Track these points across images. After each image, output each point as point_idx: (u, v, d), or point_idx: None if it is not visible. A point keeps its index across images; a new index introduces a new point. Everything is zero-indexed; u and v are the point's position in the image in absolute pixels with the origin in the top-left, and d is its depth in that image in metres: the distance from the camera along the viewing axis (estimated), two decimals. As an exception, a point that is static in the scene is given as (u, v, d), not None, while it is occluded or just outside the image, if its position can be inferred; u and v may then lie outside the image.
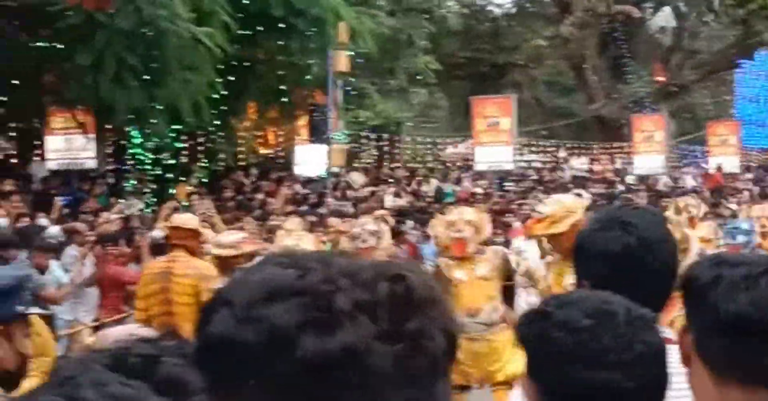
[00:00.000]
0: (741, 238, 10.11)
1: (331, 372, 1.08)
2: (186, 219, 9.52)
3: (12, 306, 3.38)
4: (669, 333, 2.70)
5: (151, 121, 16.29)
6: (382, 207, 18.74)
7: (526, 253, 13.19)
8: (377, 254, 9.57)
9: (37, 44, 15.65)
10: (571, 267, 7.73)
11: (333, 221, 16.64)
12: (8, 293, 3.36)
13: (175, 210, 15.87)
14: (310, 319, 1.09)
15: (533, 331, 2.05)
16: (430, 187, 26.34)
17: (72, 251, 11.94)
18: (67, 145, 22.10)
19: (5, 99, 16.61)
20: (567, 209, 7.98)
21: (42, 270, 11.18)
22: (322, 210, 19.33)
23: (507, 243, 16.02)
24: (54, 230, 12.24)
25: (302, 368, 1.08)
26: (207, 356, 1.13)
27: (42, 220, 15.23)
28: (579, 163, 38.96)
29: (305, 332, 1.09)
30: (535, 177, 32.12)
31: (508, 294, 9.50)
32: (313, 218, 17.00)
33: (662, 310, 2.83)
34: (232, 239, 9.35)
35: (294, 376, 1.09)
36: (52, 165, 21.94)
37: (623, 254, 2.77)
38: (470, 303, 8.95)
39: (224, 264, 8.89)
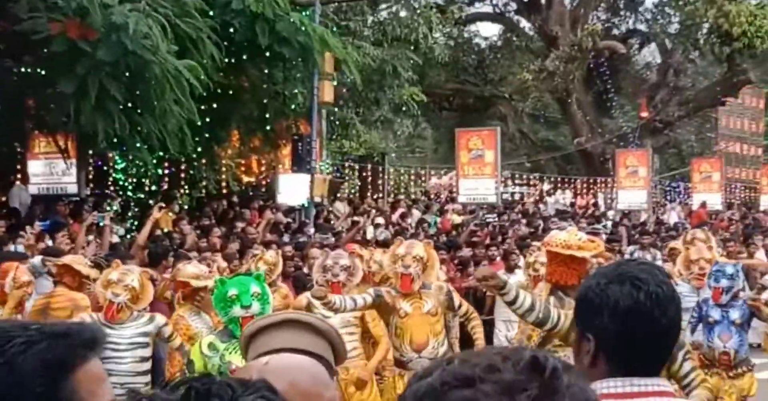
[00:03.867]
0: (724, 282, 10.03)
1: None
2: (74, 259, 10.26)
3: None
4: (666, 386, 2.75)
5: (136, 146, 16.19)
6: (364, 238, 18.61)
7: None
8: (346, 290, 9.62)
9: (21, 70, 15.58)
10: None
11: (314, 252, 16.45)
12: None
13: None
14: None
15: None
16: (413, 219, 26.24)
17: (45, 281, 11.62)
18: (48, 170, 21.96)
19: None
20: (586, 244, 8.05)
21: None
22: (303, 239, 19.18)
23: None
24: (36, 261, 11.87)
25: None
26: None
27: (18, 246, 15.01)
28: (562, 197, 39.05)
29: None
30: (518, 209, 32.05)
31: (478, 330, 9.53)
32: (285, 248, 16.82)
33: (663, 366, 2.85)
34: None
35: None
36: (33, 189, 21.79)
37: (634, 310, 2.71)
38: (417, 338, 9.04)
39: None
